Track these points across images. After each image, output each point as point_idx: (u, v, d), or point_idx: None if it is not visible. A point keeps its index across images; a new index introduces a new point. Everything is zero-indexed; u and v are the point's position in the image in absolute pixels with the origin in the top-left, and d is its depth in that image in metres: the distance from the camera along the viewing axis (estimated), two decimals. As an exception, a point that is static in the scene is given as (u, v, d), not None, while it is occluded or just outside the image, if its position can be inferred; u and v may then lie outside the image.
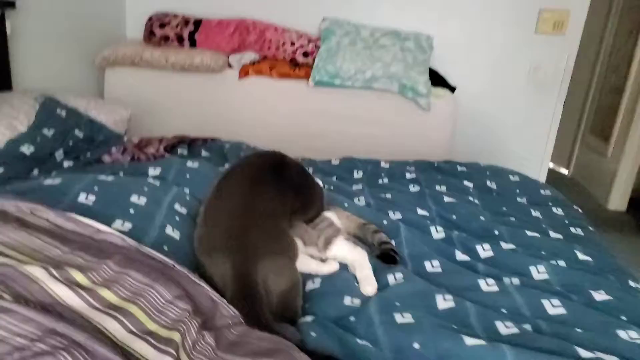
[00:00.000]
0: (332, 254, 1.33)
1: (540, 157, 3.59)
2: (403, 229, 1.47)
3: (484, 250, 1.45)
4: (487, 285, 1.26)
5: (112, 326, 0.80)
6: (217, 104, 3.28)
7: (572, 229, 1.71)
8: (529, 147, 3.58)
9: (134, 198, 1.29)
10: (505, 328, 1.08)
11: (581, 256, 1.46)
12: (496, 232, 1.59)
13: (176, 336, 0.83)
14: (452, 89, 3.37)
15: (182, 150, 2.13)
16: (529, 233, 1.57)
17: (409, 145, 3.18)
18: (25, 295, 0.78)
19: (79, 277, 0.86)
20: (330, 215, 1.45)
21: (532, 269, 1.37)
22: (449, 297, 1.17)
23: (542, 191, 2.03)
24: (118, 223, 1.17)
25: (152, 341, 0.81)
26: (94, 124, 2.22)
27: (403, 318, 1.08)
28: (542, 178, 3.55)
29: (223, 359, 0.84)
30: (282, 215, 1.17)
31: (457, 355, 0.97)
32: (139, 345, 0.79)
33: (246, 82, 3.24)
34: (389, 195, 1.77)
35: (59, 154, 1.92)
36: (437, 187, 1.93)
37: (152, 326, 0.84)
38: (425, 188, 1.89)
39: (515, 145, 3.58)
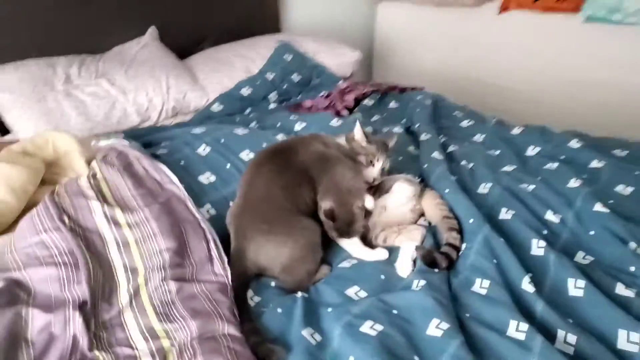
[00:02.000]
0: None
1: None
2: (486, 236, 1.27)
3: (575, 288, 1.14)
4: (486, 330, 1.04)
5: (115, 257, 1.16)
6: (473, 42, 3.10)
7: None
8: None
9: (244, 154, 1.57)
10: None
11: None
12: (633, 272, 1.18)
13: (141, 278, 1.12)
14: None
15: (370, 101, 2.23)
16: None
17: None
18: (79, 221, 1.21)
19: (120, 216, 1.23)
20: (404, 205, 1.40)
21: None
22: (444, 325, 1.04)
23: None
24: (206, 175, 1.48)
25: (129, 274, 1.12)
26: (316, 68, 2.54)
27: (370, 329, 1.05)
28: None
29: (172, 305, 1.09)
30: (283, 198, 1.24)
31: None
32: (120, 275, 1.12)
33: (505, 17, 2.93)
34: (531, 187, 1.48)
35: (272, 96, 2.34)
36: (621, 189, 1.47)
37: (139, 265, 1.15)
38: (594, 186, 1.47)
39: None
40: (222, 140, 1.62)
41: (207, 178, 1.47)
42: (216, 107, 2.18)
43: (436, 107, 2.12)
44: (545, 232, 1.33)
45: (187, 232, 1.22)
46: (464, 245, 1.29)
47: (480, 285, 1.17)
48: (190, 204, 1.28)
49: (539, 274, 1.19)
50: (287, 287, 1.23)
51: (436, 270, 1.23)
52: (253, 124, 1.99)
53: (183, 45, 2.57)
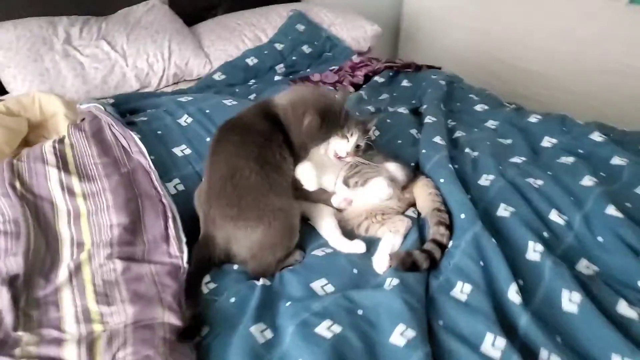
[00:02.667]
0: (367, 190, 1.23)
1: None
2: (476, 234, 1.13)
3: (570, 302, 0.99)
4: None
5: (64, 229, 1.08)
6: (505, 21, 2.87)
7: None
8: None
9: (228, 126, 1.46)
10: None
11: None
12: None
13: (85, 254, 1.04)
14: None
15: (380, 78, 2.07)
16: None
17: None
18: (32, 188, 1.14)
19: (76, 185, 1.15)
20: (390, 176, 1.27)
21: None
22: (410, 333, 0.92)
23: None
24: (181, 147, 1.37)
25: (74, 248, 1.05)
26: (330, 40, 2.39)
27: (326, 330, 0.94)
28: None
29: (115, 286, 1.00)
30: (251, 171, 1.10)
31: None
32: (66, 248, 1.05)
33: (542, -4, 2.69)
34: (539, 182, 1.32)
35: (279, 68, 2.21)
36: (641, 189, 1.30)
37: (86, 239, 1.07)
38: (612, 186, 1.30)
39: None
40: (207, 111, 1.51)
41: (181, 150, 1.37)
42: (218, 76, 2.08)
43: (451, 88, 1.95)
44: (545, 234, 1.18)
45: (144, 208, 1.12)
46: (450, 243, 1.16)
47: (461, 290, 1.04)
48: (154, 176, 1.19)
49: (531, 282, 1.06)
50: (251, 272, 1.13)
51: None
52: (252, 96, 1.89)
53: (196, 11, 2.46)
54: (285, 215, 1.13)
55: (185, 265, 1.07)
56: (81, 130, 1.31)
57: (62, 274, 1.01)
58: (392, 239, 1.18)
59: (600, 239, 1.15)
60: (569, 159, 1.44)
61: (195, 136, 1.41)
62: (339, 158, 1.27)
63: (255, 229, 1.10)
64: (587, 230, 1.18)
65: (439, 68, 2.22)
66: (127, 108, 1.61)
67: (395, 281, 1.05)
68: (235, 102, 1.58)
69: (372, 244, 1.20)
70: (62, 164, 1.20)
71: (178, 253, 1.08)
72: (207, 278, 1.10)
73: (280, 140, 1.19)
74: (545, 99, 2.67)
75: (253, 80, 2.12)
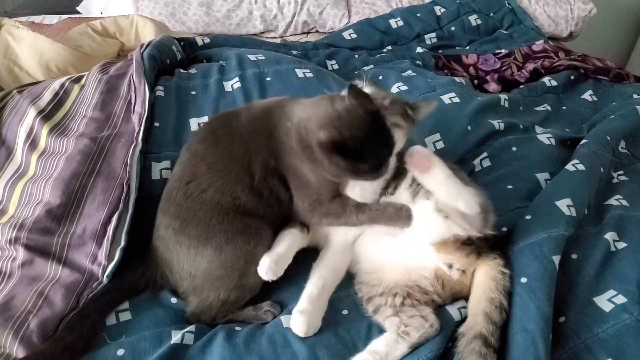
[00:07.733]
0: None
1: None
2: None
3: None
4: None
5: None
6: None
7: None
8: None
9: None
10: None
11: None
12: None
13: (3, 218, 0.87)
14: None
15: (554, 81, 1.44)
16: None
17: None
18: (2, 128, 1.01)
19: (43, 138, 0.98)
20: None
21: None
22: None
23: None
24: (202, 118, 1.06)
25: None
26: (513, 14, 1.80)
27: None
28: None
29: (5, 278, 0.80)
30: (210, 183, 0.82)
31: None
32: None
33: None
34: None
35: (429, 37, 1.73)
36: None
37: (11, 209, 0.91)
38: None
39: None
40: (268, 79, 1.19)
41: (200, 123, 1.07)
42: (348, 35, 1.70)
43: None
44: None
45: (91, 190, 0.89)
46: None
47: None
48: (131, 151, 0.94)
49: None
50: (189, 313, 0.84)
51: None
52: (367, 68, 1.49)
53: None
54: (245, 239, 0.82)
55: (105, 279, 0.82)
56: (104, 71, 1.12)
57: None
58: (385, 345, 0.75)
59: None
60: None
61: (230, 107, 1.11)
62: None
63: (199, 250, 0.81)
64: None
65: (656, 84, 1.48)
66: (209, 54, 1.38)
67: None
68: (311, 75, 1.22)
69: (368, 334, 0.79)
70: (53, 107, 1.03)
71: (104, 260, 0.83)
72: (125, 304, 0.83)
73: (268, 161, 0.85)
74: None
75: (389, 47, 1.70)
